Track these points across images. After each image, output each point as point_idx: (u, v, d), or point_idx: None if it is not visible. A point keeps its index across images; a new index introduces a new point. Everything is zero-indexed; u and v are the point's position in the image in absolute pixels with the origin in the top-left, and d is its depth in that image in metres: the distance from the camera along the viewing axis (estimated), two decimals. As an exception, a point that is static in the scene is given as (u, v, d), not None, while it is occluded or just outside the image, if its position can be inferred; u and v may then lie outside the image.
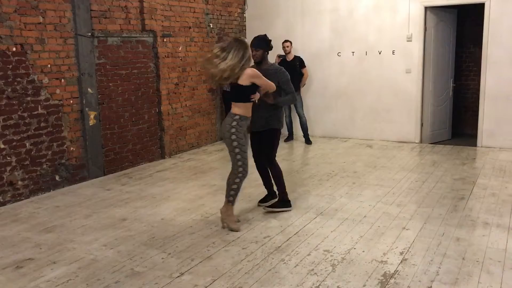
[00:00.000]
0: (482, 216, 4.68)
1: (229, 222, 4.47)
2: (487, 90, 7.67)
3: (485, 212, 4.81)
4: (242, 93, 4.37)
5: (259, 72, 4.41)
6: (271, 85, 4.50)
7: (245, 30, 9.41)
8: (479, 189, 5.55)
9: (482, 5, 7.53)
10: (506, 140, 7.62)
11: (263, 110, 4.68)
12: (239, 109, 4.38)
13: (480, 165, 6.69)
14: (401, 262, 3.72)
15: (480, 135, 7.83)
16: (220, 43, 4.53)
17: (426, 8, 7.87)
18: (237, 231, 4.40)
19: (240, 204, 5.21)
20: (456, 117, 9.07)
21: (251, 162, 4.62)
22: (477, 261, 3.70)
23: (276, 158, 4.89)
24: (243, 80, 4.30)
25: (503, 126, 7.62)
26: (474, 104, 8.58)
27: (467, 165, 6.71)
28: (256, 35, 4.80)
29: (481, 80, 7.71)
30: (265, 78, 4.42)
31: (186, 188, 5.90)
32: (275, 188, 5.05)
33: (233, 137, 4.34)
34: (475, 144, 7.90)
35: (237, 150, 4.36)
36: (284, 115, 8.70)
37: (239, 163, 4.38)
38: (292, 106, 8.56)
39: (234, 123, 4.35)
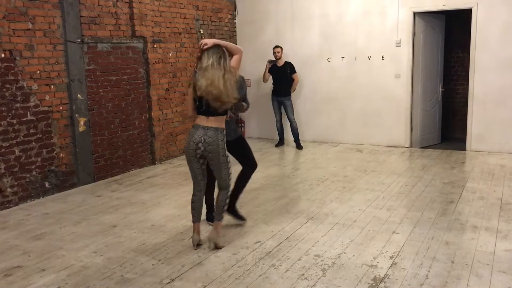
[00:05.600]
0: (471, 220, 4.72)
1: (219, 241, 4.17)
2: (475, 95, 7.75)
3: (474, 215, 4.85)
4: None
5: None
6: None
7: (236, 35, 9.44)
8: (468, 193, 5.60)
9: (469, 11, 7.62)
10: (495, 144, 7.70)
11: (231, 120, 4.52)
12: (220, 122, 4.01)
13: (469, 169, 6.75)
14: (391, 266, 3.74)
15: (469, 139, 7.90)
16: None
17: (414, 13, 7.95)
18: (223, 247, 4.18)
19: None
20: (445, 122, 9.15)
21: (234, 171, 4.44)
22: (466, 264, 3.73)
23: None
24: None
25: (491, 130, 7.70)
26: (463, 109, 8.66)
27: (456, 169, 6.76)
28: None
29: (469, 85, 7.79)
30: None
31: (176, 194, 5.88)
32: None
33: (226, 153, 4.04)
34: (464, 148, 7.96)
35: (229, 165, 4.08)
36: (276, 120, 8.77)
37: (230, 177, 4.13)
38: (283, 111, 8.58)
39: (223, 138, 4.01)
